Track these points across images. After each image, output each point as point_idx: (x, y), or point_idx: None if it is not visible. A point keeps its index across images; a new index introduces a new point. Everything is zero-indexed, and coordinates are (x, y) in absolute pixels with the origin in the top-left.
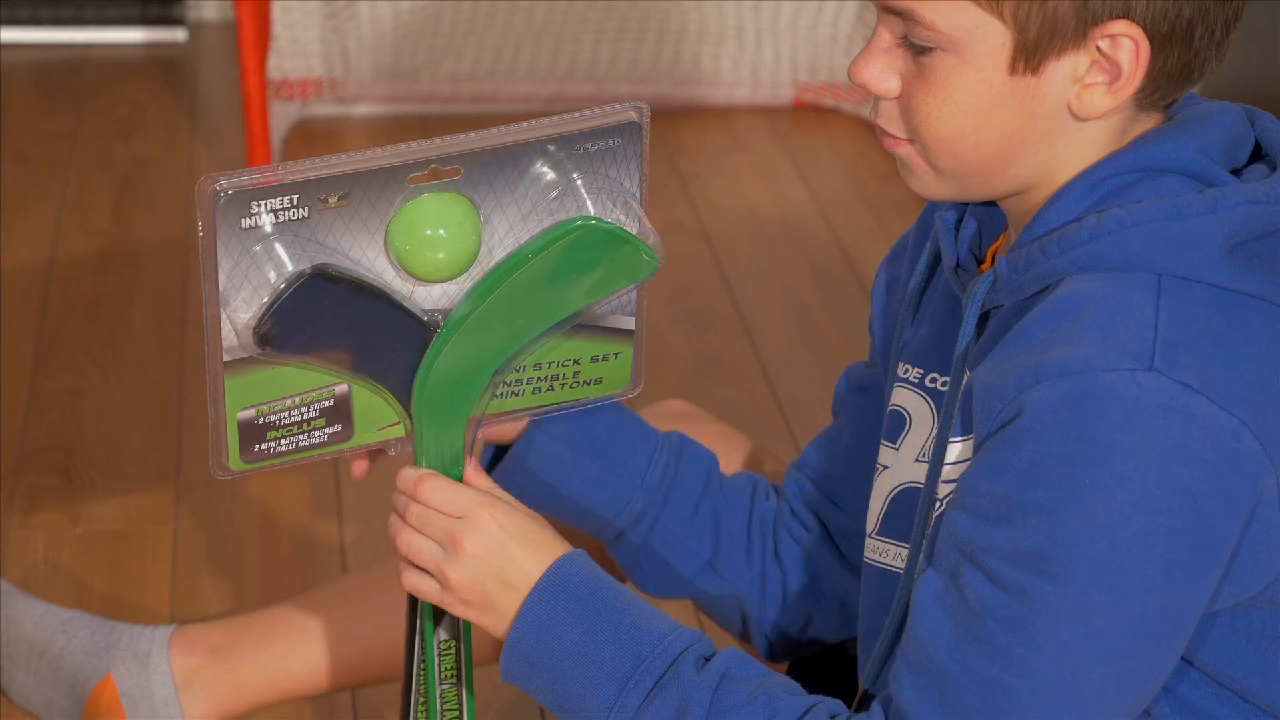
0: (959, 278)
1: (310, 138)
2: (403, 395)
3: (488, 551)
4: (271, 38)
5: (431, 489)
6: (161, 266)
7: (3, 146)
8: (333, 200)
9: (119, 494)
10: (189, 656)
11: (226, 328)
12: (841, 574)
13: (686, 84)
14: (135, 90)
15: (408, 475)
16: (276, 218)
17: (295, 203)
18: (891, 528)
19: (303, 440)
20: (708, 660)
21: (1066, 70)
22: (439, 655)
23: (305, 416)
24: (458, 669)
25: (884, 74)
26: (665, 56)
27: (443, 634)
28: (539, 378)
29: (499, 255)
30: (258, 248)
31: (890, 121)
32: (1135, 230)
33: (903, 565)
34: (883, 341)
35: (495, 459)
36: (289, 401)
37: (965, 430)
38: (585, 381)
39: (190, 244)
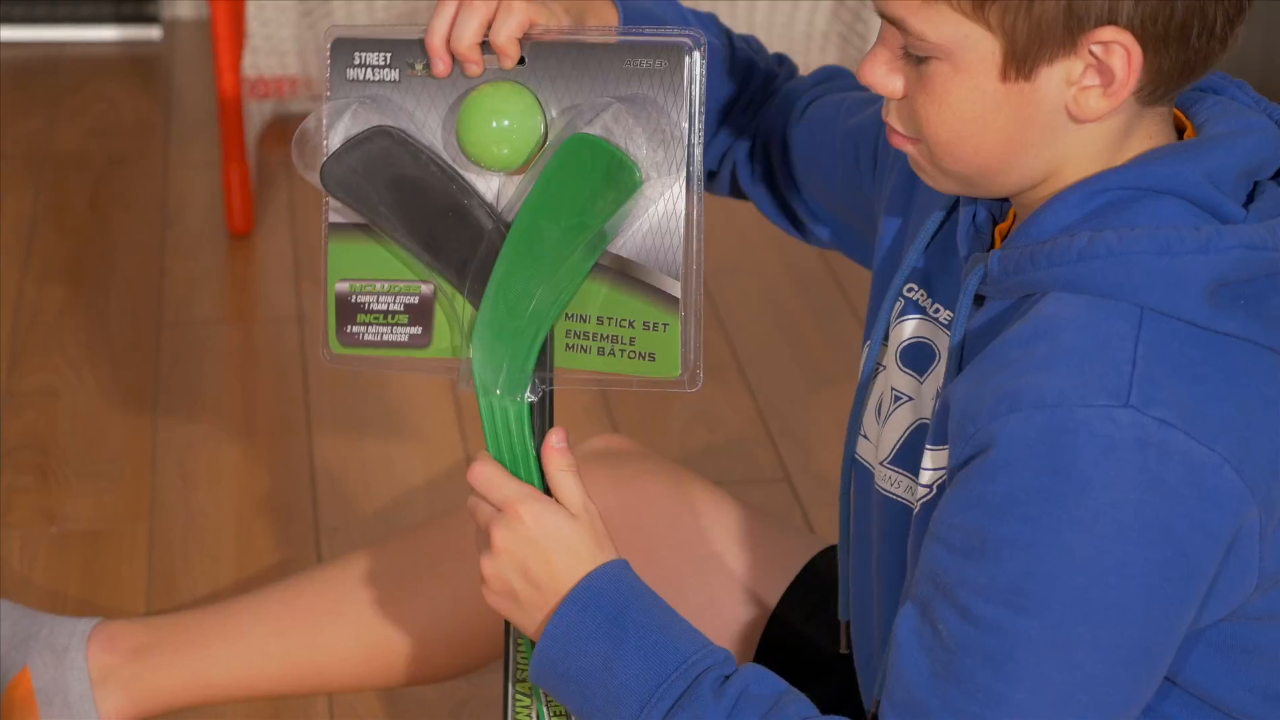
0: (970, 235)
1: (286, 136)
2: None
3: (513, 548)
4: (246, 35)
5: (476, 474)
6: (136, 264)
7: None
8: (418, 67)
9: (94, 493)
10: (107, 654)
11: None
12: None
13: None
14: (110, 88)
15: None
16: (374, 74)
17: (389, 62)
18: (905, 459)
19: (386, 334)
20: (728, 679)
21: (1060, 75)
22: (515, 651)
23: (391, 308)
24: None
25: (889, 76)
26: None
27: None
28: (603, 335)
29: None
30: (355, 103)
31: (898, 121)
32: (1123, 259)
33: (913, 499)
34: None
35: None
36: (380, 285)
37: (941, 440)
38: (641, 354)
39: (165, 243)
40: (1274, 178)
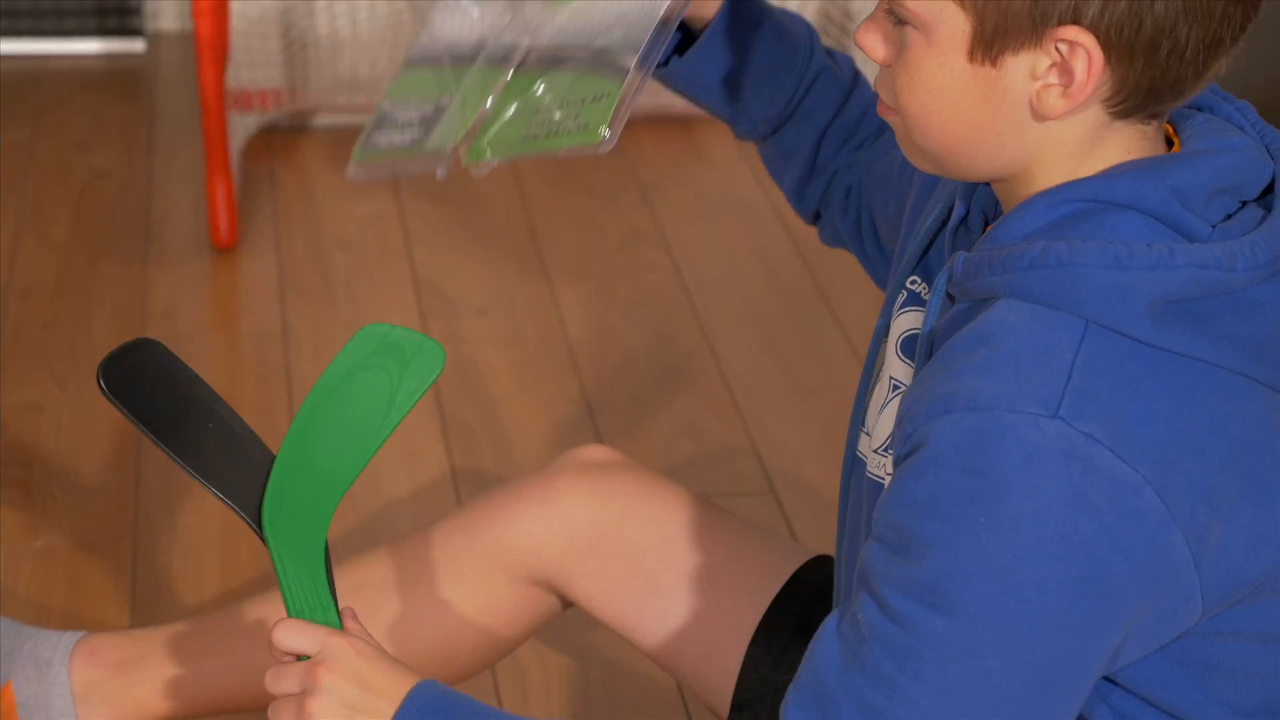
0: (960, 233)
1: (270, 148)
2: (253, 519)
3: (343, 677)
4: (229, 48)
5: (282, 633)
6: (120, 278)
7: None
8: None
9: (79, 507)
10: (91, 668)
11: (437, 16)
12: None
13: (646, 92)
14: (93, 101)
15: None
16: None
17: None
18: None
19: (396, 138)
20: None
21: (1025, 67)
22: None
23: (409, 118)
24: None
25: (879, 41)
26: None
27: None
28: (557, 119)
29: None
30: None
31: (883, 89)
32: (1072, 270)
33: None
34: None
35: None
36: (413, 100)
37: None
38: (581, 126)
39: (149, 256)
40: (1261, 198)
